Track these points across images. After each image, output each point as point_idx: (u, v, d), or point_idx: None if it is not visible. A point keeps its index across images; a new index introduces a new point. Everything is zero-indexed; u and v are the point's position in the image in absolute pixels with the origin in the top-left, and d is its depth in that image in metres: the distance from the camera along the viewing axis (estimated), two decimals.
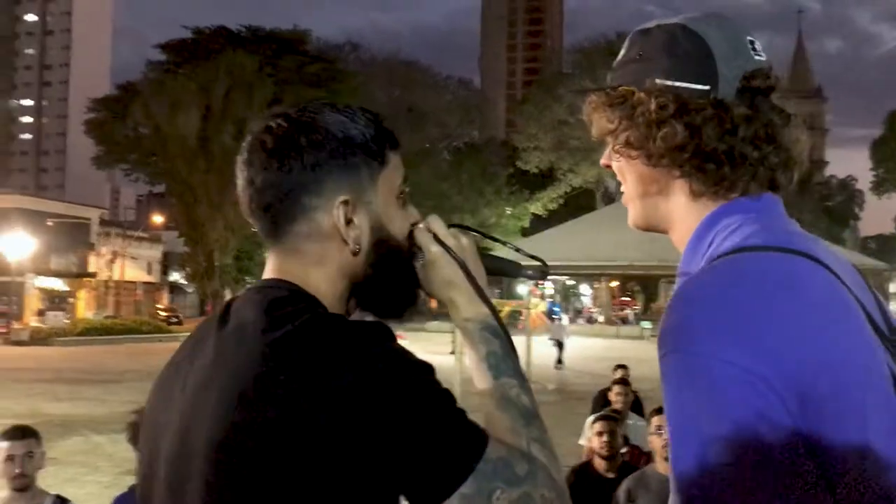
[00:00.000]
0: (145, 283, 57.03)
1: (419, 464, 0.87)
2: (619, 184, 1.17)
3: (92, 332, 33.70)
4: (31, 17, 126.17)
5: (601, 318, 50.37)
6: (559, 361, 24.71)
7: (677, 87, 1.01)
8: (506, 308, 43.84)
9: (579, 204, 43.35)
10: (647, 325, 39.07)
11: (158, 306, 52.36)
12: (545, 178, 48.23)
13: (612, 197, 46.34)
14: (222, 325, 1.00)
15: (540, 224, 43.18)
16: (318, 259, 1.03)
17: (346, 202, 1.01)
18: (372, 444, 0.86)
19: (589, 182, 47.44)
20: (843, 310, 0.90)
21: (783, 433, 0.82)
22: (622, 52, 1.11)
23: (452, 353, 18.45)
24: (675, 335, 0.89)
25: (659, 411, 4.14)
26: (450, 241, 1.08)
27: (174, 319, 45.62)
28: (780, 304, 0.87)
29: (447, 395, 0.93)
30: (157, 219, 55.72)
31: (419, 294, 1.11)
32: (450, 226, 1.12)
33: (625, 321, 50.19)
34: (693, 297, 0.92)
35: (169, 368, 1.07)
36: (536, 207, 49.60)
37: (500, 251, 1.30)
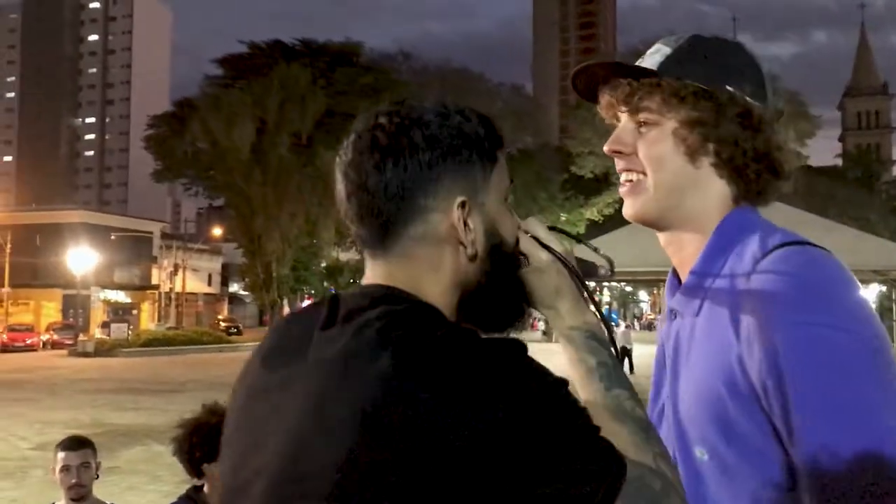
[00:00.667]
0: (206, 294, 58.14)
1: (569, 492, 0.80)
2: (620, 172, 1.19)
3: (154, 343, 34.41)
4: (93, 38, 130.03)
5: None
6: (630, 368, 24.43)
7: (750, 103, 1.11)
8: None
9: None
10: None
11: (219, 317, 53.28)
12: (600, 183, 47.74)
13: None
14: (328, 339, 0.90)
15: (595, 230, 42.82)
16: (432, 265, 0.95)
17: (463, 203, 0.94)
18: (524, 476, 0.78)
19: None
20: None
21: None
22: (674, 46, 1.16)
23: None
24: (803, 309, 0.98)
25: None
26: (555, 247, 1.03)
27: (234, 330, 46.40)
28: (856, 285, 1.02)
29: (585, 414, 0.86)
30: (217, 231, 56.77)
31: (525, 306, 1.04)
32: (550, 229, 1.06)
33: None
34: (806, 279, 1.00)
35: (253, 381, 0.97)
36: (592, 213, 49.16)
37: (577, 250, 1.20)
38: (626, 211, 1.18)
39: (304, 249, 45.05)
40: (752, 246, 1.07)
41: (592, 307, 1.05)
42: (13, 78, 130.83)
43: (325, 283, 51.43)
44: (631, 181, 1.16)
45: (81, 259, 38.54)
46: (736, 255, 1.09)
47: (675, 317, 1.18)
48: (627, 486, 0.83)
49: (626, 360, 24.76)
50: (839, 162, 64.12)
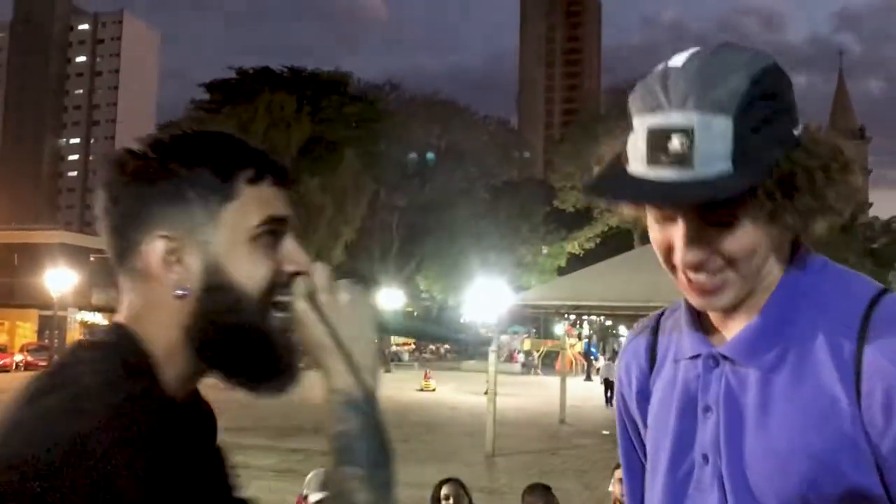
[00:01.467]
0: None
1: None
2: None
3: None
4: (80, 59, 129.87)
5: None
6: (609, 402, 24.42)
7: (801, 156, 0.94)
8: (541, 348, 43.49)
9: (617, 244, 43.03)
10: None
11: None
12: (582, 218, 48.03)
13: (648, 237, 45.85)
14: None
15: (577, 263, 42.93)
16: (146, 301, 0.92)
17: (165, 237, 0.90)
18: None
19: (626, 222, 47.00)
20: None
21: None
22: (735, 102, 0.93)
23: (486, 393, 18.31)
24: None
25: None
26: (322, 297, 0.93)
27: None
28: None
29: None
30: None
31: (291, 358, 0.95)
32: (339, 277, 0.96)
33: None
34: None
35: None
36: (573, 246, 49.35)
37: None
38: (712, 306, 1.02)
39: None
40: (838, 294, 0.98)
41: (352, 371, 0.93)
42: None
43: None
44: (713, 281, 0.99)
45: (59, 280, 38.15)
46: (818, 305, 0.98)
47: (718, 364, 1.02)
48: None
49: (610, 392, 24.78)
50: None
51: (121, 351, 0.89)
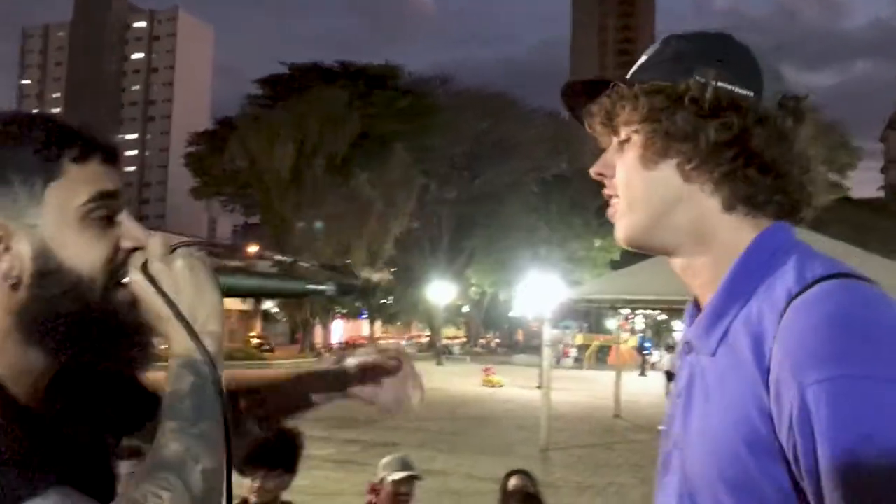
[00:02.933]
0: (239, 310, 58.54)
1: None
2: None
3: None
4: (137, 56, 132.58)
5: None
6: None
7: (723, 88, 0.95)
8: (594, 343, 43.13)
9: None
10: None
11: (251, 334, 53.61)
12: None
13: None
14: None
15: (630, 257, 42.42)
16: None
17: None
18: None
19: None
20: None
21: None
22: (650, 52, 1.04)
23: (539, 387, 18.21)
24: (839, 357, 0.81)
25: None
26: (154, 266, 0.91)
27: (266, 347, 46.58)
28: None
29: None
30: (252, 248, 57.24)
31: (140, 333, 0.93)
32: (177, 246, 0.94)
33: None
34: (847, 320, 0.84)
35: None
36: None
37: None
38: (616, 237, 1.05)
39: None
40: (787, 278, 0.91)
41: (190, 335, 0.91)
42: (58, 94, 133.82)
43: (357, 304, 51.58)
44: (609, 206, 1.05)
45: None
46: (767, 288, 0.93)
47: (690, 350, 1.02)
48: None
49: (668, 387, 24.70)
50: (882, 194, 63.06)
51: None
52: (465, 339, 61.34)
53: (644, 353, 36.54)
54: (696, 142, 0.94)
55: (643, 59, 1.03)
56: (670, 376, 25.13)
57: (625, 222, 1.02)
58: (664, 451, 1.04)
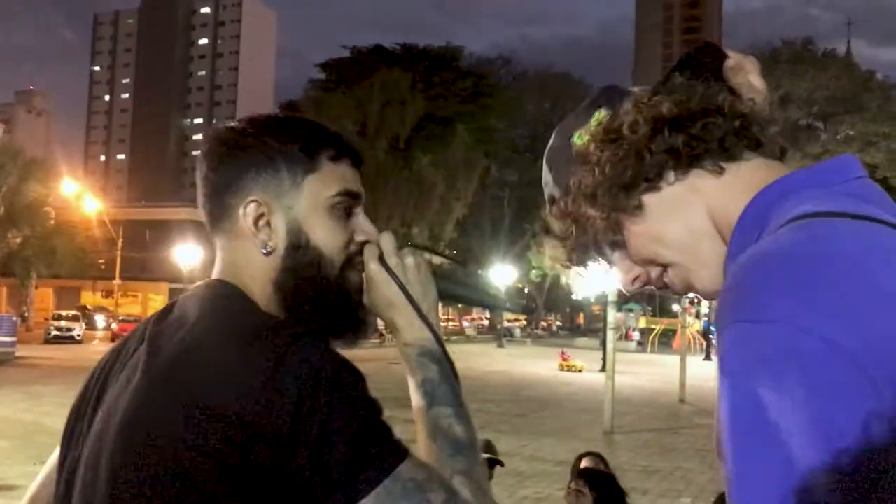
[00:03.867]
0: None
1: (324, 469, 0.84)
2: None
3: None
4: (203, 41, 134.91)
5: None
6: None
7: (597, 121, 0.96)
8: (658, 327, 42.60)
9: None
10: None
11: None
12: None
13: None
14: (164, 316, 1.02)
15: None
16: (240, 259, 1.04)
17: (255, 202, 1.02)
18: (275, 450, 0.83)
19: None
20: None
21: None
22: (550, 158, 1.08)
23: (602, 370, 18.05)
24: (747, 300, 0.71)
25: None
26: (391, 261, 1.06)
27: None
28: (871, 269, 0.70)
29: (371, 404, 0.90)
30: None
31: (361, 316, 1.07)
32: (406, 245, 1.09)
33: None
34: (763, 261, 0.74)
35: (112, 355, 1.08)
36: None
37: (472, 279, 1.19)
38: (707, 296, 0.93)
39: None
40: (767, 226, 0.82)
41: (425, 325, 1.05)
42: (128, 80, 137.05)
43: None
44: (673, 283, 0.95)
45: (188, 254, 40.01)
46: (756, 235, 0.84)
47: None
48: (392, 483, 0.85)
49: None
50: None
51: (238, 300, 1.00)
52: (525, 322, 61.21)
53: (709, 337, 35.93)
54: (645, 173, 0.89)
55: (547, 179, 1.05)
56: None
57: (677, 282, 0.94)
58: None
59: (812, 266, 0.70)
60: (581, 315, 69.29)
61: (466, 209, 44.24)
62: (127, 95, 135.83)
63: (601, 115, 0.95)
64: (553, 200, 1.02)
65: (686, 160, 0.89)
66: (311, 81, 51.20)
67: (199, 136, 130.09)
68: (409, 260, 1.07)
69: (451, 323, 59.94)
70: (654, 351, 38.00)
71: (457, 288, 1.17)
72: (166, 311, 1.04)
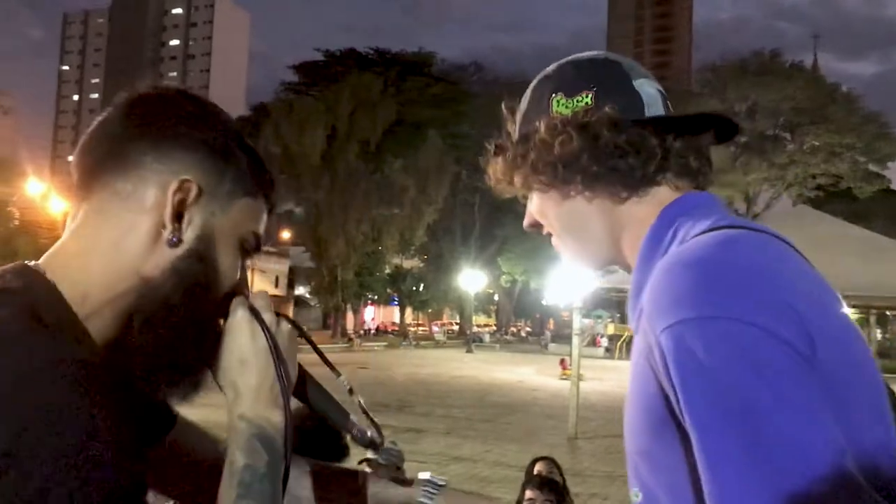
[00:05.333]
0: (272, 296, 58.65)
1: None
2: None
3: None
4: (174, 42, 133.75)
5: None
6: None
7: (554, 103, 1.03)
8: (626, 333, 42.92)
9: None
10: None
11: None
12: None
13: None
14: None
15: None
16: (121, 231, 0.84)
17: (190, 183, 0.85)
18: None
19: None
20: (825, 287, 0.86)
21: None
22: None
23: (567, 375, 18.18)
24: (678, 304, 0.79)
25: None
26: (266, 316, 0.89)
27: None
28: (775, 270, 0.82)
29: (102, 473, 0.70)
30: (285, 234, 57.71)
31: (206, 364, 0.89)
32: (280, 315, 0.92)
33: None
34: (685, 264, 0.82)
35: None
36: None
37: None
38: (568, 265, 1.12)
39: (369, 255, 45.45)
40: (675, 241, 0.94)
41: (277, 406, 0.87)
42: (97, 80, 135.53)
43: (388, 289, 51.80)
44: (556, 245, 1.11)
45: None
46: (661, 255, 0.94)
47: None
48: None
49: None
50: None
51: (31, 301, 0.78)
52: (495, 328, 61.35)
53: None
54: (555, 168, 1.00)
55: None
56: None
57: (566, 253, 1.09)
58: None
59: (735, 270, 0.80)
60: (551, 321, 69.64)
61: (437, 214, 44.28)
62: (96, 95, 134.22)
63: (588, 99, 1.00)
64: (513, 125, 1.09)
65: (630, 183, 0.99)
66: (282, 84, 51.07)
67: None
68: (285, 325, 0.92)
69: (420, 328, 59.94)
70: (621, 357, 38.26)
71: (320, 394, 0.98)
72: None
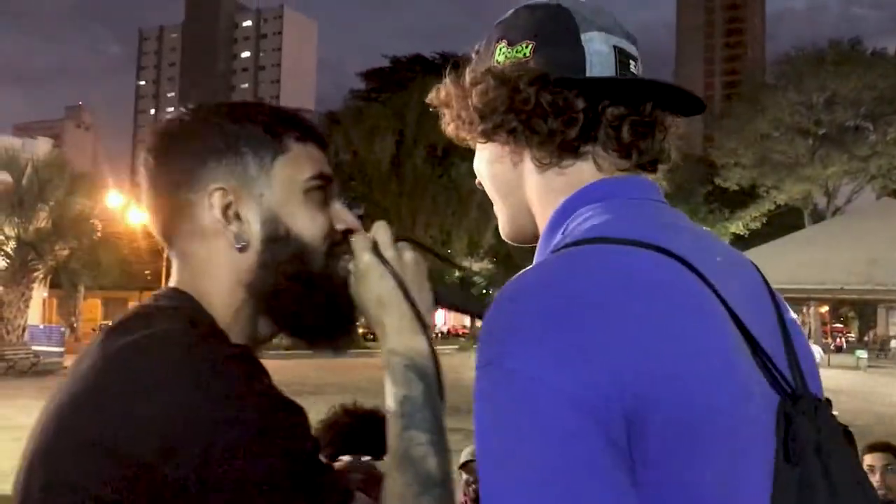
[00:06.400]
0: None
1: None
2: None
3: (294, 345, 35.63)
4: (245, 54, 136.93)
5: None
6: None
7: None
8: None
9: (784, 223, 40.81)
10: (862, 354, 36.11)
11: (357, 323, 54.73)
12: (747, 196, 45.90)
13: (821, 215, 43.33)
14: (110, 334, 0.87)
15: (741, 244, 41.10)
16: (205, 262, 0.90)
17: (221, 189, 0.89)
18: (180, 486, 0.71)
19: (795, 199, 44.65)
20: (696, 317, 0.73)
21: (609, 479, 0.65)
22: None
23: None
24: (489, 343, 0.72)
25: (873, 448, 3.84)
26: (387, 253, 0.92)
27: (371, 336, 47.37)
28: (614, 306, 0.70)
29: (305, 443, 0.78)
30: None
31: (352, 314, 0.93)
32: (400, 239, 0.95)
33: (839, 349, 46.70)
34: (510, 296, 0.74)
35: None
36: (737, 227, 47.28)
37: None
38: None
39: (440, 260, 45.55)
40: (554, 244, 0.85)
41: (418, 331, 0.91)
42: (173, 93, 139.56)
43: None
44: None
45: None
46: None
47: None
48: None
49: None
50: None
51: (186, 315, 0.86)
52: None
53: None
54: (469, 113, 0.92)
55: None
56: None
57: (501, 218, 1.00)
58: None
59: (560, 307, 0.70)
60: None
61: None
62: (172, 109, 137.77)
63: (527, 51, 0.90)
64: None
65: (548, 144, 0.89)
66: (351, 91, 51.66)
67: None
68: (409, 255, 0.94)
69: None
70: None
71: (454, 294, 1.01)
72: (118, 325, 0.87)
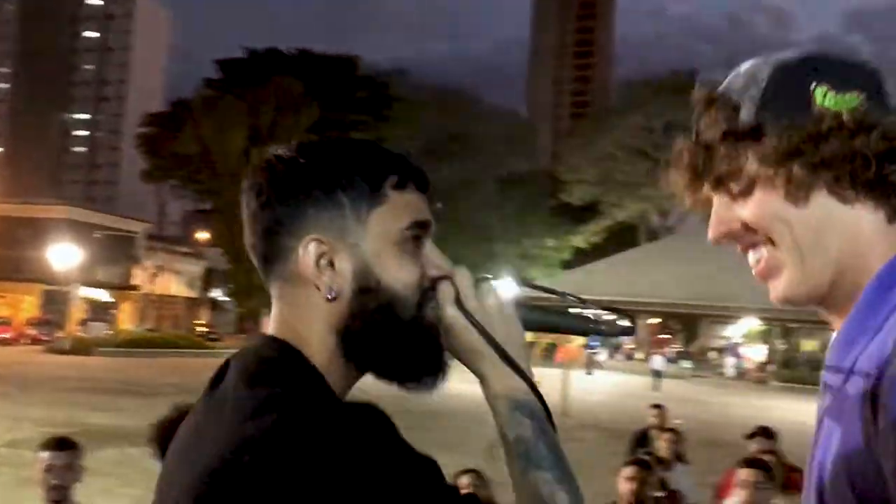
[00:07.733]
0: (187, 298, 57.71)
1: None
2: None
3: (132, 344, 34.03)
4: (90, 34, 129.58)
5: (639, 356, 49.76)
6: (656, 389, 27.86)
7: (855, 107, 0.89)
8: (542, 342, 43.48)
9: (622, 239, 42.98)
10: (686, 364, 38.43)
11: (196, 322, 52.87)
12: (588, 212, 47.96)
13: (654, 233, 45.85)
14: (215, 385, 0.91)
15: (582, 258, 42.79)
16: (300, 307, 0.93)
17: (317, 240, 0.91)
18: None
19: (633, 217, 47.12)
20: None
21: None
22: (734, 87, 0.95)
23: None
24: None
25: (747, 463, 4.02)
26: (470, 303, 0.94)
27: (213, 336, 45.96)
28: None
29: (456, 490, 0.83)
30: (202, 235, 56.47)
31: (442, 357, 0.96)
32: (480, 279, 0.97)
33: (670, 360, 49.55)
34: None
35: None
36: (579, 240, 49.30)
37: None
38: (775, 297, 0.93)
39: None
40: None
41: (515, 372, 0.95)
42: (6, 69, 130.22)
43: None
44: (759, 260, 0.93)
45: (64, 255, 38.23)
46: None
47: (826, 390, 0.91)
48: None
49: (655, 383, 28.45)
50: None
51: (293, 368, 0.89)
52: None
53: (591, 351, 36.91)
54: (853, 162, 0.86)
55: (754, 96, 0.92)
56: (657, 374, 28.31)
57: (786, 277, 0.91)
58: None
59: None
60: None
61: None
62: (6, 86, 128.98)
63: (857, 100, 0.88)
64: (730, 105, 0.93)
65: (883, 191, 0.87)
66: (204, 80, 50.02)
67: (82, 132, 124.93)
68: (491, 300, 0.96)
69: None
70: (537, 364, 38.70)
71: (549, 317, 1.03)
72: (217, 378, 0.92)
